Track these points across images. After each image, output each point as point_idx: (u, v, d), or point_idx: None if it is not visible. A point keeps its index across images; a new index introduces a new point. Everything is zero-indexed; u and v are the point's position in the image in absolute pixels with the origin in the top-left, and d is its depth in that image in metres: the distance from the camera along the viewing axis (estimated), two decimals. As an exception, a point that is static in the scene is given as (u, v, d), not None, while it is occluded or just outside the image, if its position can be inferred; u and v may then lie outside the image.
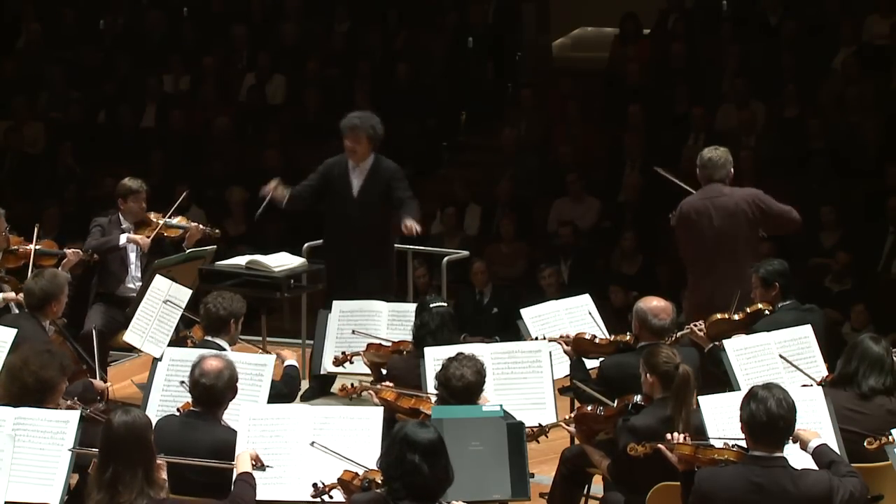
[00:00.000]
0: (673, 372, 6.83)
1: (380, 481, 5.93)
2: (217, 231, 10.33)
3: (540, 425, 7.40)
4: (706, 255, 9.19)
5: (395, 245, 11.89)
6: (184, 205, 14.52)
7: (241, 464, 6.48)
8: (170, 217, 9.95)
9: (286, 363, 8.17)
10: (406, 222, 9.74)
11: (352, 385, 7.84)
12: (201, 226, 9.99)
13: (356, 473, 6.46)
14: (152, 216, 9.93)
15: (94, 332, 8.67)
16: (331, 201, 10.07)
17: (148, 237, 9.81)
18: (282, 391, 7.93)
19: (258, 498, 6.54)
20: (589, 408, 7.35)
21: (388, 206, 9.92)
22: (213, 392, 6.79)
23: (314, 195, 10.13)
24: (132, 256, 9.89)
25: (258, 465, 6.54)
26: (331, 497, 6.58)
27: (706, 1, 16.34)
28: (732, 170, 9.36)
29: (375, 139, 10.00)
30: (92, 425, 6.92)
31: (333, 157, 10.14)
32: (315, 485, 6.60)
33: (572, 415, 7.47)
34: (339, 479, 6.51)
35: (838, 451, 6.71)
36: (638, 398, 7.09)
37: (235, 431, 6.82)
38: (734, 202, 9.18)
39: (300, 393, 8.68)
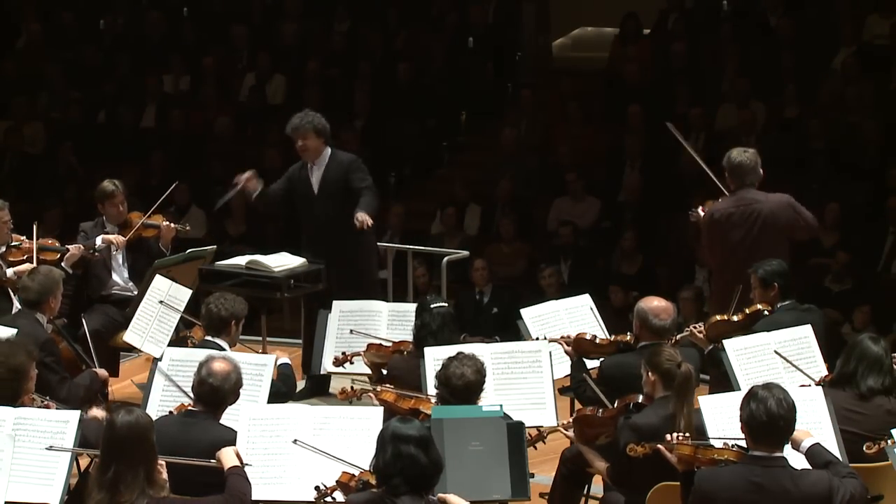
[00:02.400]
0: (675, 370, 6.83)
1: (373, 482, 5.96)
2: (188, 227, 10.40)
3: (538, 431, 7.39)
4: (735, 262, 9.00)
5: (395, 245, 11.88)
6: (183, 205, 14.68)
7: (229, 459, 6.44)
8: (148, 216, 9.94)
9: (279, 362, 8.18)
10: (357, 215, 9.69)
11: (351, 388, 7.84)
12: (172, 224, 10.00)
13: (353, 475, 6.47)
14: (134, 217, 9.92)
15: (86, 328, 8.67)
16: (297, 203, 10.18)
17: (125, 237, 9.79)
18: (280, 390, 7.95)
19: (258, 498, 6.55)
20: (588, 409, 7.35)
21: (352, 198, 9.89)
22: (218, 393, 6.79)
23: (282, 200, 10.25)
24: (119, 258, 9.88)
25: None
26: (333, 499, 6.58)
27: (706, 1, 16.33)
28: (762, 170, 9.18)
29: (322, 133, 10.04)
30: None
31: (297, 162, 10.22)
32: (317, 487, 6.61)
33: (571, 418, 7.47)
34: (337, 481, 6.52)
35: (838, 452, 6.72)
36: (640, 398, 7.09)
37: (234, 430, 6.83)
38: (769, 210, 9.04)
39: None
